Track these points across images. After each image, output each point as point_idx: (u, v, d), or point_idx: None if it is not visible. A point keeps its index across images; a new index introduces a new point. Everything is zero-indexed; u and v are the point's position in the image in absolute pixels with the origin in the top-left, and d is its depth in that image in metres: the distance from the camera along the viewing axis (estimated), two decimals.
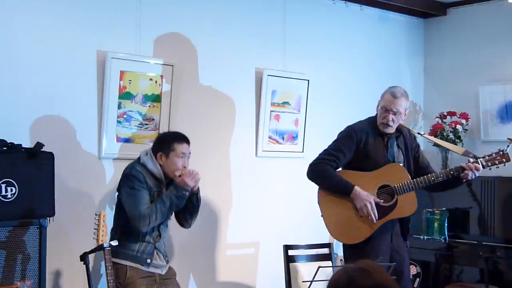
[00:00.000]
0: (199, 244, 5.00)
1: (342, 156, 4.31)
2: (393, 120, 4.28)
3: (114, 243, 3.89)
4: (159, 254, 4.07)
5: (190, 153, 4.08)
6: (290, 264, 4.98)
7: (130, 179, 3.91)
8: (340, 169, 4.40)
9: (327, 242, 5.11)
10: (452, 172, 4.27)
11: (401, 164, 4.36)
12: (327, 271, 4.88)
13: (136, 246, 3.95)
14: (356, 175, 4.31)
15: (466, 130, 6.01)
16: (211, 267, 5.12)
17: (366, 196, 4.20)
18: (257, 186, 5.36)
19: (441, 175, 4.26)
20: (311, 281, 3.85)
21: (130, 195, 3.90)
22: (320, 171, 4.32)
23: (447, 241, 5.56)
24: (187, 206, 4.06)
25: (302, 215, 5.58)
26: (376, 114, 4.41)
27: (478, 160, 4.28)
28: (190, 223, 4.19)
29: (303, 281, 3.99)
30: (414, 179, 4.27)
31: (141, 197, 3.89)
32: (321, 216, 4.39)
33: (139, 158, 4.02)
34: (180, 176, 3.97)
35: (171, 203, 3.93)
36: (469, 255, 5.48)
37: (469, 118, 6.01)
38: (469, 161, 4.27)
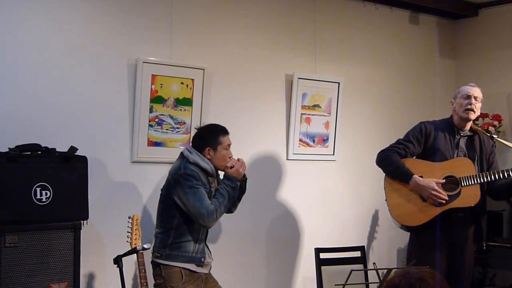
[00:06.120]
0: (229, 247, 5.01)
1: (411, 146, 4.52)
2: (475, 105, 4.47)
3: (147, 246, 3.96)
4: (208, 251, 4.14)
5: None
6: (322, 267, 4.99)
7: (187, 178, 3.92)
8: (414, 157, 4.58)
9: (359, 245, 5.09)
10: None
11: (474, 161, 4.47)
12: (359, 274, 4.88)
13: (191, 247, 3.99)
14: (424, 163, 4.50)
15: (499, 131, 5.93)
16: (241, 269, 5.12)
17: (427, 183, 4.35)
18: (288, 189, 5.36)
19: (507, 172, 4.31)
20: (344, 284, 3.85)
21: (192, 193, 3.91)
22: (384, 157, 4.54)
23: (482, 244, 5.50)
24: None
25: (334, 218, 5.58)
26: (451, 115, 4.59)
27: None
28: (237, 206, 4.31)
29: (335, 285, 3.97)
30: (480, 173, 4.39)
31: (202, 194, 3.93)
32: (385, 200, 4.53)
33: (185, 157, 4.02)
34: (232, 167, 4.07)
35: (228, 195, 4.02)
36: (503, 259, 5.43)
37: (502, 119, 5.95)
38: None
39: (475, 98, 4.48)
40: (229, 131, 4.15)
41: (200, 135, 4.14)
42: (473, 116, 4.49)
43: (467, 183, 4.34)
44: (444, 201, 4.33)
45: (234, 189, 4.06)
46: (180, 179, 3.94)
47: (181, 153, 4.08)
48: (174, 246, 3.96)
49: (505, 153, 5.87)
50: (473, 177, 4.34)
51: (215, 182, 4.13)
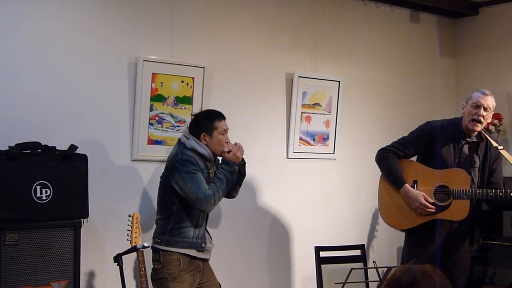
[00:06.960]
0: (229, 245, 5.01)
1: (412, 147, 4.48)
2: (483, 117, 4.33)
3: (147, 244, 3.97)
4: (208, 236, 4.15)
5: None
6: (322, 265, 4.99)
7: (184, 164, 3.93)
8: (414, 158, 4.56)
9: (359, 243, 5.09)
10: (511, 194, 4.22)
11: (475, 168, 4.40)
12: (359, 272, 4.87)
13: (191, 232, 4.00)
14: (421, 168, 4.44)
15: (499, 130, 5.94)
16: (242, 268, 5.13)
17: (415, 196, 4.32)
18: (288, 187, 5.36)
19: (500, 193, 4.23)
20: (344, 283, 3.85)
21: (189, 179, 3.91)
22: (382, 158, 4.52)
23: (479, 243, 5.50)
24: (236, 177, 4.15)
25: (334, 217, 5.58)
26: (461, 117, 4.45)
27: None
28: (238, 191, 4.31)
29: (335, 283, 3.98)
30: (473, 189, 4.29)
31: (200, 179, 3.93)
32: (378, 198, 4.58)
33: (182, 144, 4.02)
34: (229, 152, 4.06)
35: (226, 179, 4.01)
36: (502, 257, 5.42)
37: (502, 118, 5.94)
38: None
39: (485, 109, 4.32)
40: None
41: (196, 120, 4.15)
42: (478, 128, 4.36)
43: (458, 197, 4.28)
44: (431, 212, 4.31)
45: (232, 173, 4.05)
46: (177, 165, 3.95)
47: (179, 140, 4.09)
48: (174, 232, 3.97)
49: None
50: (465, 193, 4.27)
51: (213, 167, 4.13)
